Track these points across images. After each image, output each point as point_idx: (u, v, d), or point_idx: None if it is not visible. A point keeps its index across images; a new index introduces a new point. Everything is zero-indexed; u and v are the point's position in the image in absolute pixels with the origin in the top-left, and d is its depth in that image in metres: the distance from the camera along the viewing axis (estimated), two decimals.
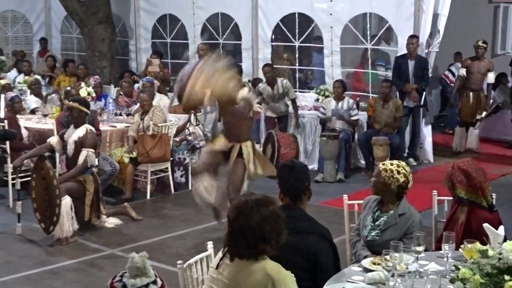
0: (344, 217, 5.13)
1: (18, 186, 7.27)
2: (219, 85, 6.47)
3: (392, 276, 3.59)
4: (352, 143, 10.05)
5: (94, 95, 10.01)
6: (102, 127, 9.14)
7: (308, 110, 10.71)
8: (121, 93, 10.54)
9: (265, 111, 10.43)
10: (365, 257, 4.27)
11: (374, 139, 9.50)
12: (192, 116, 9.22)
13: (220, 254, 3.45)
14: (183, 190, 9.16)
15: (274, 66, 10.71)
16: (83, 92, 9.71)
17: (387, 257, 3.66)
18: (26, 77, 11.82)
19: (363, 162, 10.12)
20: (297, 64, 11.43)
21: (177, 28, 12.92)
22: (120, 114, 9.98)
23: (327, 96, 10.50)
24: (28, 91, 11.09)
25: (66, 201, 6.93)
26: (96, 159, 7.37)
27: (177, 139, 9.18)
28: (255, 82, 10.84)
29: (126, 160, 8.71)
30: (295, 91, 10.69)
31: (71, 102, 7.58)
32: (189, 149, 9.17)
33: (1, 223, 7.69)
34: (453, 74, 13.09)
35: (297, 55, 11.36)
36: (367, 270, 3.84)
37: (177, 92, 6.60)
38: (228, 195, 6.72)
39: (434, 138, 10.95)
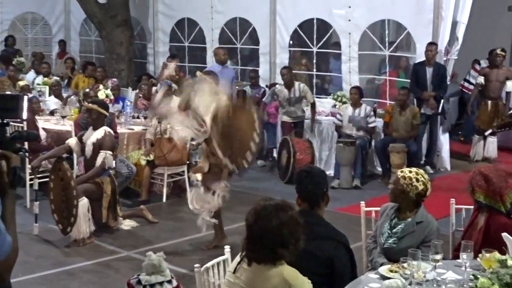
0: (360, 223, 5.12)
1: (36, 187, 7.32)
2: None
3: (410, 284, 3.58)
4: (368, 150, 10.02)
5: (112, 97, 10.07)
6: (120, 129, 9.19)
7: (325, 116, 10.70)
8: (140, 95, 10.59)
9: (281, 116, 10.45)
10: (382, 264, 4.27)
11: (391, 146, 9.47)
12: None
13: (237, 258, 3.46)
14: None
15: (293, 71, 10.71)
16: (101, 94, 9.78)
17: (405, 265, 3.65)
18: (45, 79, 11.90)
19: (379, 169, 10.09)
20: (314, 70, 11.43)
21: (195, 32, 12.97)
22: (138, 117, 10.02)
23: (344, 103, 10.49)
24: (47, 92, 11.17)
25: (83, 203, 6.97)
26: (114, 161, 7.40)
27: (194, 142, 9.19)
28: (272, 87, 10.85)
29: (143, 162, 8.74)
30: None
31: (90, 104, 7.63)
32: None
33: (19, 223, 7.70)
34: (469, 82, 13.02)
35: (314, 61, 11.37)
36: (384, 278, 3.82)
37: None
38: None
39: (451, 146, 10.90)
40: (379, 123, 10.04)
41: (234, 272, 3.43)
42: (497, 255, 3.53)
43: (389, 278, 3.79)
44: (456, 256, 4.14)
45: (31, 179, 7.69)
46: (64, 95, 11.05)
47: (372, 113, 9.93)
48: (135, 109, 10.27)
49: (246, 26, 12.11)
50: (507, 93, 11.06)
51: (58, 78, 11.93)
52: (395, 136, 9.67)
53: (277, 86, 10.45)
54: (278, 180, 9.90)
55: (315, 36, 11.17)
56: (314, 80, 11.52)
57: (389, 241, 4.48)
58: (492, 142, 11.10)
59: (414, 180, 4.42)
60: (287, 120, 10.39)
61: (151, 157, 8.72)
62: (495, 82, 10.83)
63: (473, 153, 11.22)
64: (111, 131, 7.56)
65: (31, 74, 12.77)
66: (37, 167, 7.44)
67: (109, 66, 13.08)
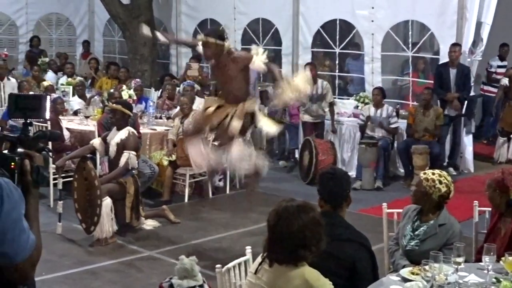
0: (382, 225, 5.10)
1: (60, 186, 7.38)
2: None
3: (431, 286, 3.56)
4: (391, 151, 9.98)
5: (135, 97, 10.13)
6: (142, 130, 9.23)
7: (348, 117, 10.67)
8: (166, 96, 10.63)
9: (301, 115, 10.44)
10: (404, 266, 4.25)
11: (414, 148, 9.42)
12: None
13: (259, 259, 3.46)
14: (221, 194, 9.21)
15: None
16: (124, 95, 9.83)
17: (427, 267, 3.63)
18: (69, 79, 12.00)
19: (401, 170, 10.04)
20: (337, 71, 11.41)
21: None
22: (160, 118, 10.07)
23: (366, 103, 10.46)
24: (71, 92, 11.26)
25: (107, 202, 7.02)
26: (137, 162, 7.45)
27: (216, 143, 9.20)
28: None
29: (165, 163, 8.78)
30: (334, 98, 10.68)
31: (114, 105, 7.68)
32: None
33: (42, 222, 7.78)
34: (485, 83, 12.85)
35: (337, 62, 11.34)
36: (405, 280, 3.81)
37: None
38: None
39: (475, 148, 10.81)
40: (401, 124, 9.99)
41: (255, 273, 3.43)
42: None
43: (410, 280, 3.78)
44: (479, 259, 4.10)
45: (55, 179, 7.77)
46: (88, 95, 11.13)
47: (394, 113, 9.89)
48: (158, 110, 10.31)
49: (269, 27, 12.11)
50: None
51: (82, 79, 12.02)
52: (418, 137, 9.61)
53: None
54: (299, 181, 9.90)
55: (337, 37, 11.15)
56: (337, 81, 11.49)
57: (411, 243, 4.46)
58: None
59: (437, 182, 4.39)
60: (308, 120, 10.39)
61: (173, 157, 8.76)
62: None
63: (497, 155, 11.12)
64: (135, 132, 7.61)
65: (50, 75, 12.86)
66: (61, 166, 7.50)
67: (132, 67, 13.16)
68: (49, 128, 8.45)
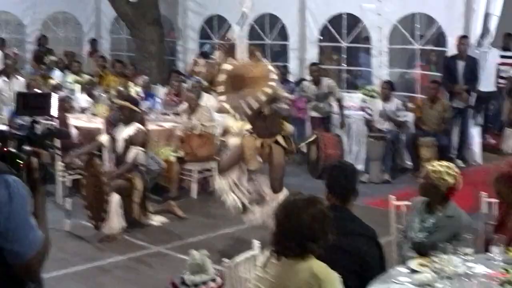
0: (390, 218, 5.09)
1: (68, 183, 7.40)
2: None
3: (440, 278, 3.55)
4: (398, 144, 9.95)
5: (142, 94, 10.14)
6: (149, 126, 9.23)
7: (355, 110, 10.66)
8: (172, 91, 10.64)
9: (309, 111, 10.43)
10: (412, 258, 4.24)
11: (421, 140, 9.40)
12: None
13: (267, 253, 3.46)
14: None
15: (322, 66, 10.68)
16: (131, 91, 9.85)
17: (435, 259, 3.62)
18: (76, 77, 12.02)
19: (409, 163, 10.01)
20: (345, 65, 11.39)
21: (225, 29, 12.97)
22: (167, 114, 10.08)
23: (373, 97, 10.43)
24: (78, 90, 11.27)
25: (116, 199, 7.03)
26: (144, 158, 7.46)
27: (224, 138, 9.22)
28: (299, 84, 10.84)
29: (173, 159, 8.78)
30: (342, 91, 10.66)
31: (122, 101, 7.70)
32: None
33: (51, 219, 7.79)
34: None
35: (345, 56, 11.32)
36: (414, 272, 3.80)
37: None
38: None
39: (484, 139, 10.75)
40: (410, 117, 9.96)
41: (263, 267, 3.44)
42: None
43: (419, 272, 3.77)
44: (487, 250, 4.10)
45: (63, 176, 7.79)
46: (95, 93, 11.16)
47: (402, 106, 9.86)
48: (165, 106, 10.32)
49: (276, 22, 12.10)
50: None
51: (91, 77, 12.04)
52: (425, 129, 9.59)
53: (304, 82, 10.45)
54: (307, 175, 9.88)
55: (345, 31, 11.12)
56: (344, 75, 11.47)
57: (420, 236, 4.45)
58: None
59: (444, 174, 4.38)
60: (315, 115, 10.39)
61: (181, 153, 8.76)
62: None
63: (505, 147, 11.07)
64: (143, 128, 7.62)
65: (57, 73, 12.87)
66: (70, 163, 7.51)
67: (140, 64, 13.17)
68: (57, 126, 8.49)
